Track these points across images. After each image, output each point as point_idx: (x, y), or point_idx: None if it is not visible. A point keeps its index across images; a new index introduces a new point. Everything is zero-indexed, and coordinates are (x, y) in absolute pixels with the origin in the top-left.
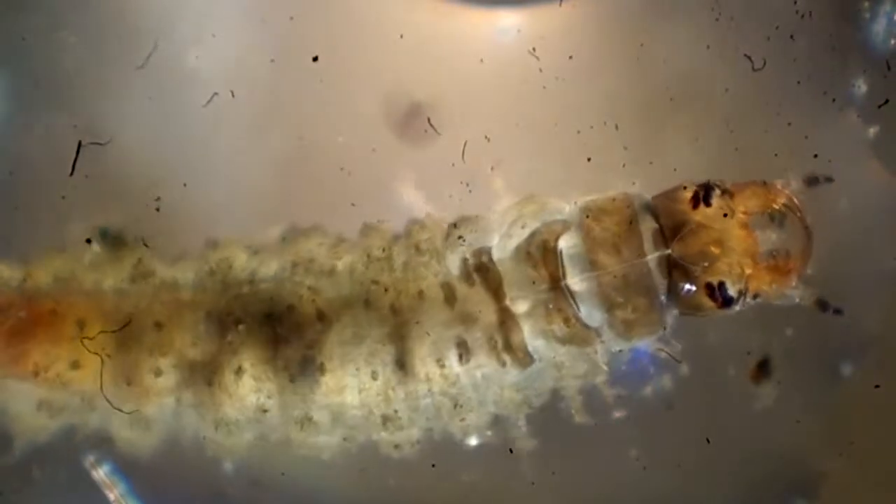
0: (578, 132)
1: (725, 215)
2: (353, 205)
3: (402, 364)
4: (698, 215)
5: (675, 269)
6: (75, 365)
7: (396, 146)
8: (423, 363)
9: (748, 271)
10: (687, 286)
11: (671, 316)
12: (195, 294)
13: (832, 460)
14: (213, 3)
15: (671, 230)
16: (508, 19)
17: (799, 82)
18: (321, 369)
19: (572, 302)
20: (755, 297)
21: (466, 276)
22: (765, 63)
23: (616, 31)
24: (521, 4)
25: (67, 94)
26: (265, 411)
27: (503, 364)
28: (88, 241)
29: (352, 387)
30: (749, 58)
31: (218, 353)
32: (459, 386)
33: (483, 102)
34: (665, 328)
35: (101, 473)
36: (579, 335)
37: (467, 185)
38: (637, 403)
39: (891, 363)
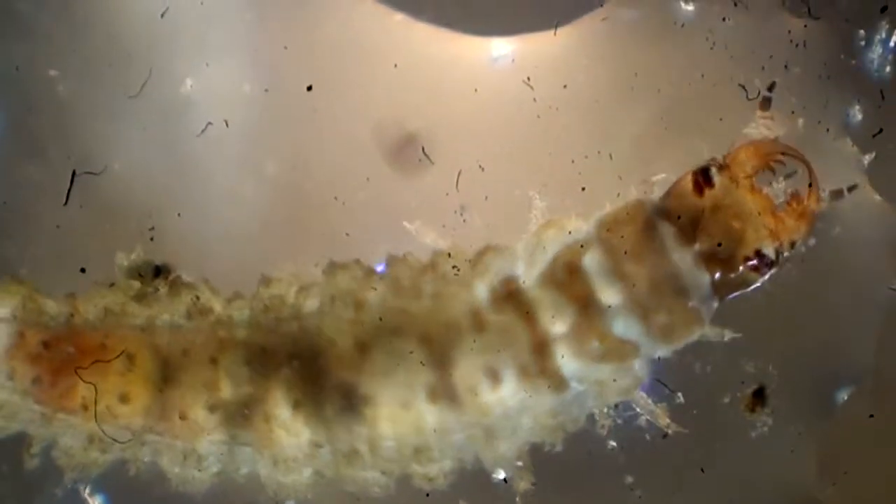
0: (573, 161)
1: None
2: (347, 234)
3: (436, 395)
4: (707, 199)
5: (710, 260)
6: (124, 398)
7: (390, 175)
8: (458, 393)
9: (774, 227)
10: (731, 273)
11: (711, 309)
12: (242, 332)
13: (826, 489)
14: (207, 32)
15: (690, 224)
16: (503, 48)
17: (793, 112)
18: (363, 402)
19: (605, 318)
20: (792, 246)
21: (496, 304)
22: (759, 93)
23: (610, 60)
24: (516, 34)
25: (62, 123)
26: (315, 447)
27: (538, 390)
28: (83, 270)
29: (391, 418)
30: (743, 87)
31: (257, 391)
32: (492, 415)
33: (477, 132)
34: (705, 324)
35: None
36: (616, 350)
37: (461, 213)
38: (632, 432)
39: (885, 393)
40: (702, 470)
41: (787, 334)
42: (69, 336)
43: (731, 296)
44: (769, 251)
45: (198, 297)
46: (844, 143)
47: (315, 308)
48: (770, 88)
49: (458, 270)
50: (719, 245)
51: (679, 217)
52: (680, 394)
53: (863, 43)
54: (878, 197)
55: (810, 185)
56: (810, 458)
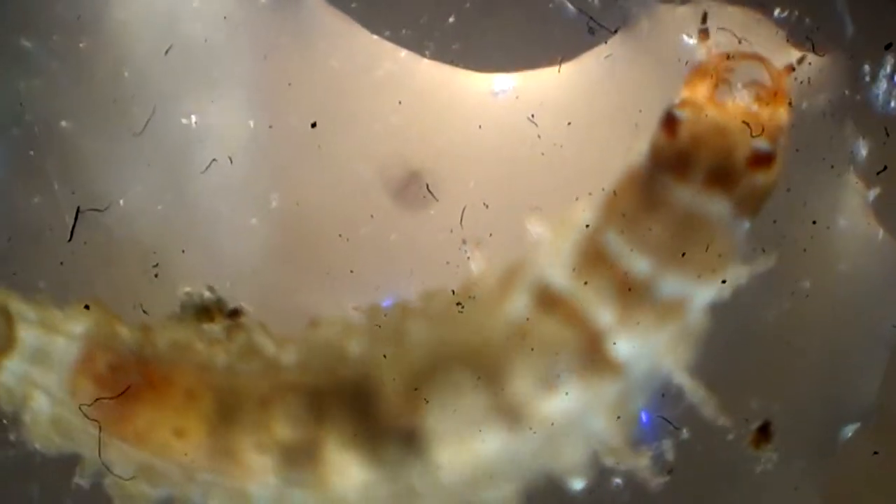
0: (577, 199)
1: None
2: (351, 271)
3: (494, 419)
4: (684, 137)
5: (714, 182)
6: (180, 433)
7: (394, 212)
8: (516, 412)
9: (756, 122)
10: (740, 183)
11: (741, 230)
12: (294, 374)
13: None
14: (211, 68)
15: (680, 164)
16: (507, 85)
17: (798, 149)
18: (421, 438)
19: (646, 285)
20: (781, 130)
21: (537, 313)
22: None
23: (614, 97)
24: (519, 71)
25: (65, 160)
26: (372, 489)
27: (599, 383)
28: (87, 307)
29: (451, 451)
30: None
31: (311, 433)
32: (555, 426)
33: (481, 168)
34: (737, 246)
35: None
36: (669, 311)
37: (465, 251)
38: (636, 469)
39: (889, 430)
40: None
41: (792, 371)
42: (136, 364)
43: (758, 209)
44: (763, 144)
45: (250, 338)
46: (849, 180)
47: (361, 350)
48: (703, 20)
49: (490, 292)
50: (715, 165)
51: (672, 165)
52: (685, 430)
53: (867, 79)
54: (882, 234)
55: (768, 72)
56: (814, 494)
